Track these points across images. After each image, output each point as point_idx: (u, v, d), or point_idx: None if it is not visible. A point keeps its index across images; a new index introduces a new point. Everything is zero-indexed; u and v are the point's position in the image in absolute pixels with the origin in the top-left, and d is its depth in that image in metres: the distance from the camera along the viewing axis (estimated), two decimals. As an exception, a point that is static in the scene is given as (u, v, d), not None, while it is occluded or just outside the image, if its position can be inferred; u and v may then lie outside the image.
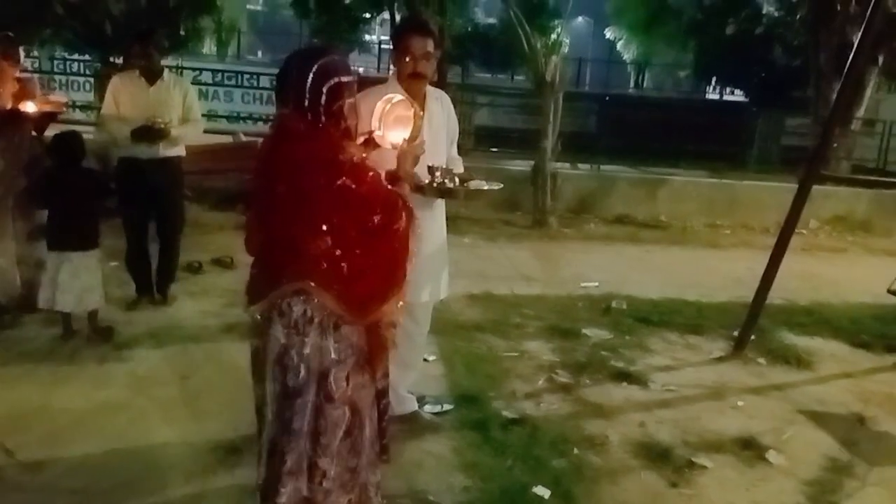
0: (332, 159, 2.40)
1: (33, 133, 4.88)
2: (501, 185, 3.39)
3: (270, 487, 2.52)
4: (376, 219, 2.45)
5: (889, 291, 5.12)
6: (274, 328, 2.47)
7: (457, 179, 3.22)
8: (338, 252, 2.41)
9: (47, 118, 4.96)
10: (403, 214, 2.51)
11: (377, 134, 2.74)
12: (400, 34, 3.38)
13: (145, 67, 5.05)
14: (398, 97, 2.82)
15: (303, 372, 2.45)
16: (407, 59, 3.30)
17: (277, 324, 2.46)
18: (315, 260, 2.40)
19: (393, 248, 2.52)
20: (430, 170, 3.10)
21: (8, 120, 4.65)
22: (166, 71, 5.22)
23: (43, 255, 4.52)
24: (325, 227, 2.39)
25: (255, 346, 2.59)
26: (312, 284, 2.41)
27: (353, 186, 2.40)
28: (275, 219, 2.46)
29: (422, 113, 3.38)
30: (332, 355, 2.48)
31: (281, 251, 2.46)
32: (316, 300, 2.42)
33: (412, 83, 3.34)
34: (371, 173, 2.48)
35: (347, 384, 2.52)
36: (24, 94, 4.79)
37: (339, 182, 2.38)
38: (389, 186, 2.58)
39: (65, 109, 5.41)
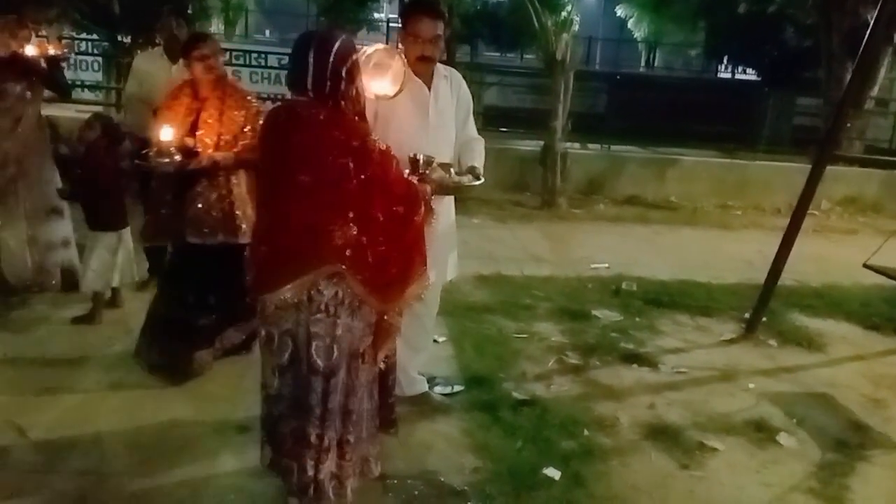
0: (360, 148, 2.43)
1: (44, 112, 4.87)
2: (482, 181, 3.27)
3: (309, 467, 2.58)
4: (399, 209, 2.50)
5: (865, 266, 5.09)
6: (301, 313, 2.49)
7: (439, 170, 2.98)
8: (364, 240, 2.45)
9: (54, 64, 4.85)
10: (423, 207, 2.57)
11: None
12: (408, 16, 3.32)
13: (169, 45, 4.95)
14: (379, 46, 2.75)
15: (336, 353, 2.51)
16: (415, 43, 3.26)
17: (305, 310, 2.49)
18: (341, 247, 2.42)
19: (410, 239, 2.56)
20: (412, 160, 2.84)
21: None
22: None
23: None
24: (351, 215, 2.42)
25: (267, 333, 2.59)
26: (344, 268, 2.44)
27: (382, 176, 2.44)
28: (294, 207, 2.45)
29: (429, 90, 3.36)
30: (360, 335, 2.54)
31: (299, 238, 2.46)
32: (347, 283, 2.46)
33: (420, 65, 3.31)
34: (395, 163, 2.52)
35: (365, 362, 2.61)
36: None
37: (369, 171, 2.41)
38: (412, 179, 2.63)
39: (66, 51, 5.29)
